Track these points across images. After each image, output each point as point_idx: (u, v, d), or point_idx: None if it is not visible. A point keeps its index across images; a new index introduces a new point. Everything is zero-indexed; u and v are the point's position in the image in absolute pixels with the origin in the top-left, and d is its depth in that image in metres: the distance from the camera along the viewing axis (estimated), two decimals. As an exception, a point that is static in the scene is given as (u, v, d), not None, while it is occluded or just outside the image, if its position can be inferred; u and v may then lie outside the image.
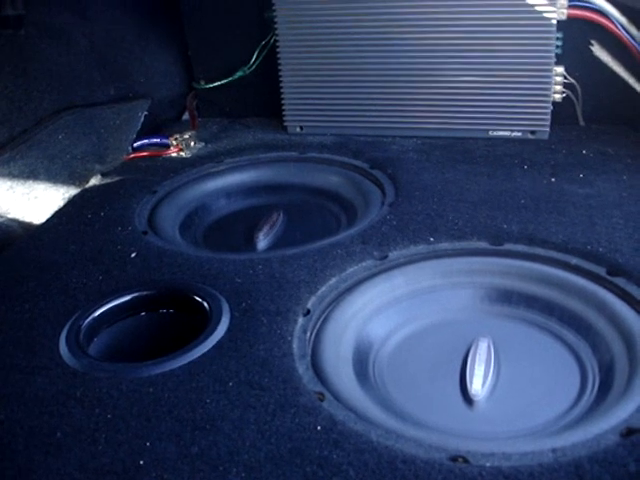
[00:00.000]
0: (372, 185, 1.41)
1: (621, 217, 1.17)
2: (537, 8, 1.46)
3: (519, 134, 1.57)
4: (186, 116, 1.87)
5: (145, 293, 1.06)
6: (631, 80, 1.57)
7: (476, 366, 0.92)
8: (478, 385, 0.90)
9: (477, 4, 1.48)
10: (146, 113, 1.68)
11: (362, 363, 0.96)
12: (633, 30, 1.50)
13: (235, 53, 1.78)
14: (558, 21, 1.46)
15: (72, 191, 1.44)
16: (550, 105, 1.54)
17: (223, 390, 0.85)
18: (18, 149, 1.32)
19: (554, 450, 0.73)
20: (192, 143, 1.65)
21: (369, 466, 0.72)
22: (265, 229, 1.32)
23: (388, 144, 1.59)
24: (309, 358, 0.91)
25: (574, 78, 1.58)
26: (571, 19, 1.50)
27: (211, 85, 1.82)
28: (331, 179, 1.47)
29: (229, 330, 0.95)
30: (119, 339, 1.03)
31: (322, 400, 0.83)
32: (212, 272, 1.10)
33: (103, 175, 1.51)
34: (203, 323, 0.97)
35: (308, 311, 1.00)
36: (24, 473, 0.75)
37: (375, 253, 1.12)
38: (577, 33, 1.55)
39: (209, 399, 0.83)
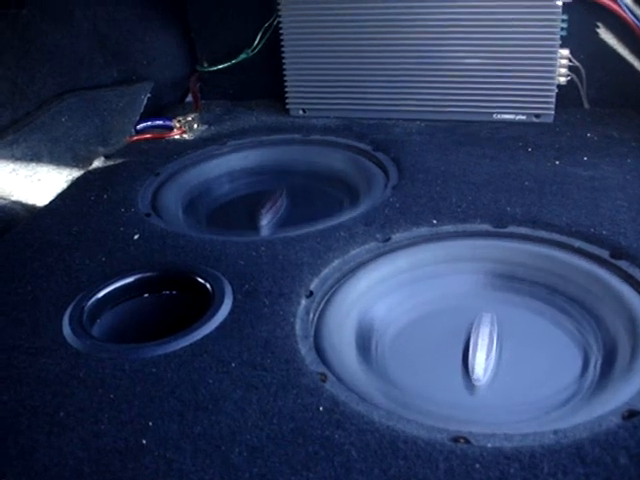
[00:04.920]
0: (375, 167, 1.40)
1: (625, 200, 1.17)
2: (542, -10, 1.45)
3: (523, 117, 1.56)
4: (189, 98, 1.87)
5: (148, 275, 1.06)
6: (636, 63, 1.57)
7: (478, 349, 0.92)
8: (480, 367, 0.90)
9: (482, -14, 1.48)
10: (149, 95, 1.68)
11: (365, 345, 0.96)
12: (639, 12, 1.49)
13: (238, 35, 1.77)
14: (564, 3, 1.45)
15: (75, 173, 1.44)
16: (555, 88, 1.53)
17: (225, 371, 0.85)
18: (21, 132, 1.32)
19: (555, 432, 0.73)
20: (195, 125, 1.64)
21: (371, 446, 0.73)
22: (268, 211, 1.32)
23: (391, 126, 1.59)
24: (312, 339, 0.91)
25: (579, 61, 1.57)
26: (577, 1, 1.49)
27: (214, 67, 1.82)
28: (334, 161, 1.47)
29: (232, 312, 0.95)
30: (122, 320, 1.04)
31: (324, 381, 0.83)
32: (215, 254, 1.10)
33: (106, 157, 1.51)
34: (206, 305, 0.97)
35: (311, 293, 1.00)
36: (27, 452, 0.75)
37: (378, 235, 1.12)
38: (582, 15, 1.55)
39: (211, 379, 0.83)
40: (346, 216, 1.20)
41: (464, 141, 1.48)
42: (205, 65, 1.84)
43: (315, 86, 1.66)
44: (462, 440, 0.73)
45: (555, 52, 1.49)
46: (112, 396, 0.82)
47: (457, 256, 1.08)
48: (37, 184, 1.35)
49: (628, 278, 0.99)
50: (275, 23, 1.68)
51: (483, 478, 0.68)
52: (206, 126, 1.67)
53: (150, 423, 0.78)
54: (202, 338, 0.91)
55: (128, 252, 1.13)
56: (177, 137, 1.61)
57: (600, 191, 1.21)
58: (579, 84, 1.60)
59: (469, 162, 1.36)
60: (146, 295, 1.06)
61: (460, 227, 1.14)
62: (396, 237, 1.12)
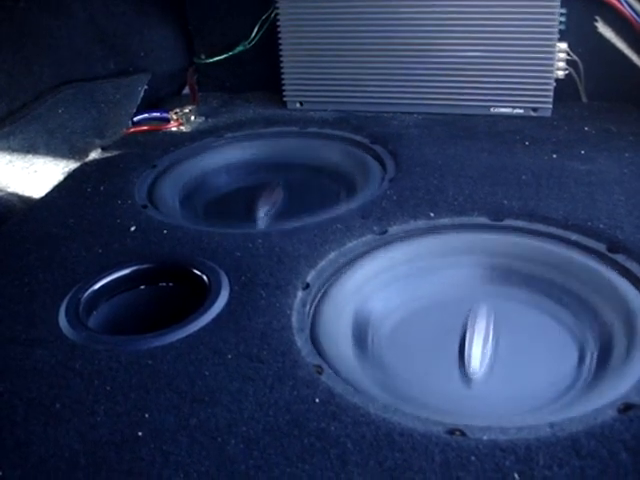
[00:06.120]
0: (373, 160, 1.40)
1: (622, 194, 1.17)
2: (541, -17, 1.44)
3: (521, 111, 1.56)
4: (186, 90, 1.86)
5: (144, 266, 1.06)
6: (634, 57, 1.56)
7: (474, 341, 0.92)
8: (476, 360, 0.90)
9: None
10: (146, 87, 1.67)
11: (361, 337, 0.96)
12: (638, 6, 1.49)
13: (236, 27, 1.76)
14: (562, -4, 1.45)
15: (72, 165, 1.43)
16: (553, 82, 1.52)
17: (222, 362, 0.85)
18: (17, 123, 1.31)
19: (551, 424, 0.73)
20: (192, 117, 1.64)
21: (367, 438, 0.73)
22: (265, 203, 1.32)
23: (389, 119, 1.59)
24: (308, 331, 0.91)
25: (577, 55, 1.57)
26: (575, -6, 1.49)
27: (212, 60, 1.81)
28: (331, 154, 1.47)
29: (228, 303, 0.95)
30: (118, 312, 1.03)
31: (320, 373, 0.83)
32: (212, 246, 1.10)
33: (103, 149, 1.51)
34: (202, 296, 0.97)
35: (307, 285, 1.00)
36: (23, 444, 0.75)
37: (375, 228, 1.12)
38: (581, 9, 1.54)
39: (208, 371, 0.83)
40: (343, 209, 1.19)
41: (461, 134, 1.47)
42: (202, 57, 1.83)
43: (312, 79, 1.65)
44: (458, 432, 0.73)
45: (553, 46, 1.49)
46: (108, 388, 0.82)
47: (454, 249, 1.08)
48: (33, 176, 1.34)
49: (625, 272, 0.99)
50: (273, 15, 1.68)
51: (479, 470, 0.68)
52: (203, 118, 1.66)
53: (146, 415, 0.78)
54: (198, 330, 0.91)
55: (124, 244, 1.12)
56: (174, 129, 1.61)
57: (597, 185, 1.21)
58: (577, 78, 1.60)
59: (466, 155, 1.36)
60: (142, 287, 1.06)
61: (457, 220, 1.14)
62: (393, 230, 1.12)
